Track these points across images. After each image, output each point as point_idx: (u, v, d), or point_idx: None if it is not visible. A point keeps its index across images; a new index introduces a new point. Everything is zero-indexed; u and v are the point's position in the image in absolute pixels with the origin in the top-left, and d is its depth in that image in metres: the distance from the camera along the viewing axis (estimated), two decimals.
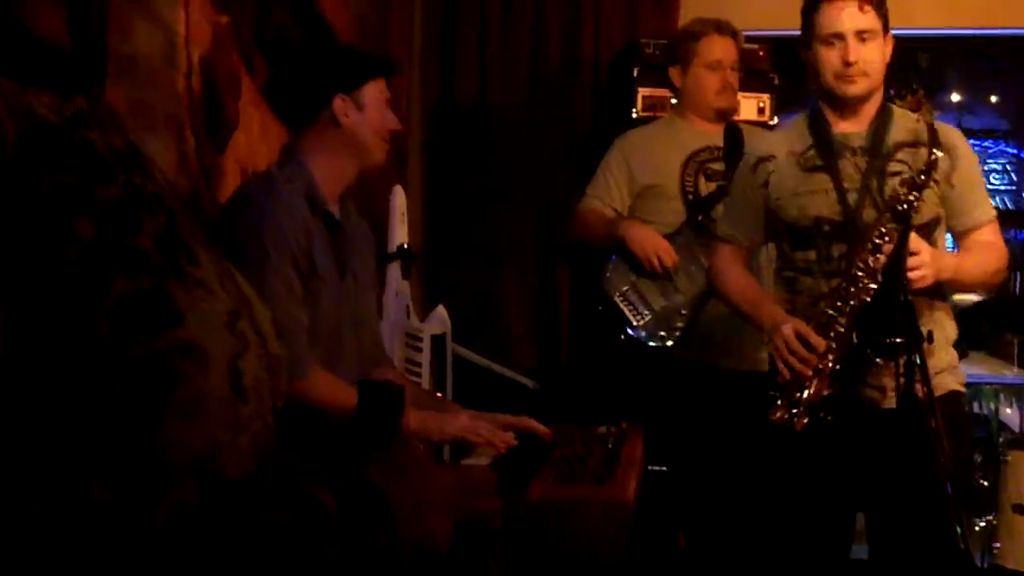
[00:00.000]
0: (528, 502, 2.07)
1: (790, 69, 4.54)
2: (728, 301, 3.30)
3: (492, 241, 4.97)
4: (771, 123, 4.46)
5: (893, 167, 3.03)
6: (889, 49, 3.09)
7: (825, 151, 3.09)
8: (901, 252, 2.83)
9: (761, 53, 4.51)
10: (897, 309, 2.83)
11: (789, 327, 2.98)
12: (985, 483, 4.45)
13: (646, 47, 4.54)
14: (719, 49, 4.02)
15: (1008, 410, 4.91)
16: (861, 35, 3.01)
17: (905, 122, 3.09)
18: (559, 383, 4.65)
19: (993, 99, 5.62)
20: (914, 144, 3.05)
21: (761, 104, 4.49)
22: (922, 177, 2.93)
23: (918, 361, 2.78)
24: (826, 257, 3.04)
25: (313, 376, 2.49)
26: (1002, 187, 5.76)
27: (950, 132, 3.16)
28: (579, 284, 4.79)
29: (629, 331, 3.99)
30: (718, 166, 4.01)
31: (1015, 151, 5.46)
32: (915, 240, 2.91)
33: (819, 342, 2.94)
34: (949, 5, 4.81)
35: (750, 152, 3.33)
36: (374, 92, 2.69)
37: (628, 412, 3.38)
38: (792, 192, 3.11)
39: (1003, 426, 4.88)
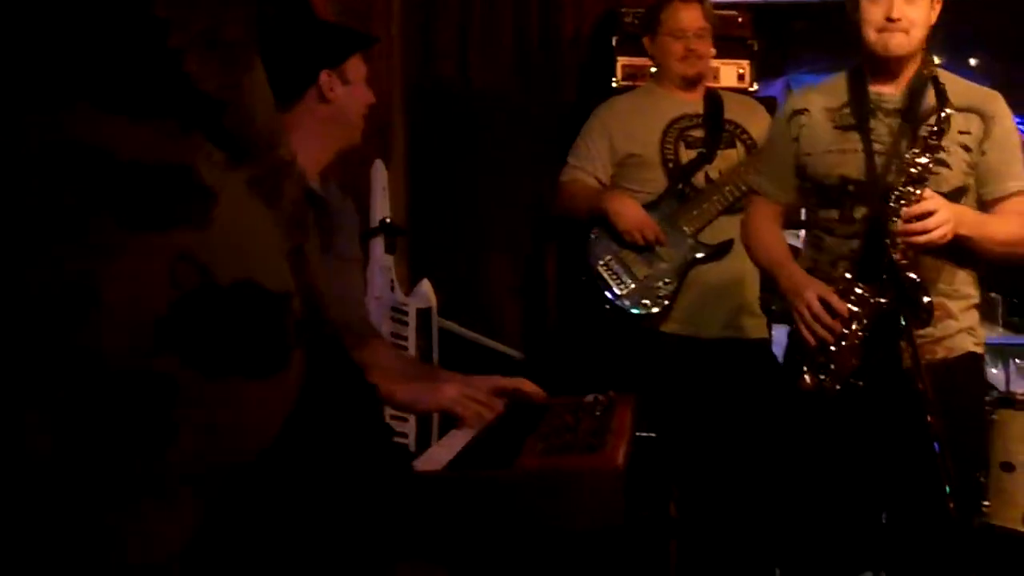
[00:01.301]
0: (517, 473, 2.07)
1: (770, 35, 4.55)
2: (754, 258, 3.29)
3: (477, 215, 4.96)
4: (751, 89, 4.46)
5: (923, 131, 2.96)
6: (937, 11, 3.04)
7: (859, 110, 3.06)
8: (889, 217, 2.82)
9: (740, 19, 4.50)
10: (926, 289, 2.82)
11: (812, 292, 2.96)
12: None
13: (625, 16, 4.53)
14: (683, 17, 4.02)
15: (994, 370, 4.92)
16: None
17: (948, 86, 2.98)
18: (546, 355, 4.65)
19: (981, 67, 5.58)
20: (951, 110, 2.95)
21: (741, 71, 4.48)
22: (934, 138, 2.89)
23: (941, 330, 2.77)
24: (848, 218, 3.01)
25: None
26: None
27: (991, 97, 3.10)
28: (565, 256, 4.79)
29: (613, 300, 3.99)
30: (698, 133, 4.01)
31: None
32: (930, 197, 2.88)
33: (842, 307, 2.93)
34: None
35: (788, 102, 3.30)
36: (357, 66, 2.68)
37: (615, 382, 3.39)
38: (823, 149, 3.08)
39: (990, 386, 4.91)
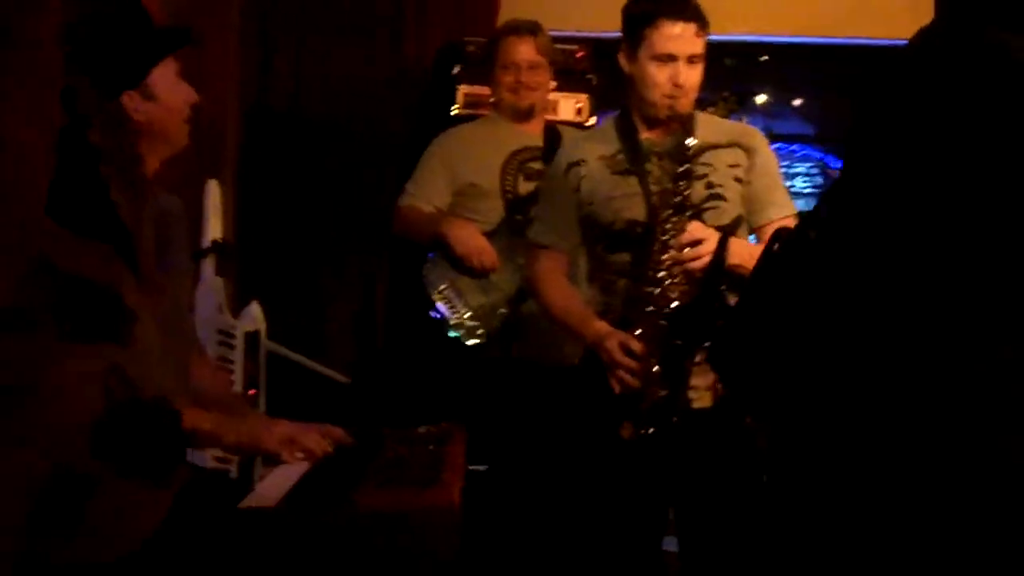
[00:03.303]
0: (352, 510, 2.04)
1: (608, 70, 4.62)
2: (549, 314, 3.31)
3: (311, 238, 4.91)
4: (588, 123, 4.52)
5: (699, 170, 3.10)
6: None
7: (633, 156, 3.15)
8: (718, 256, 2.91)
9: (580, 54, 4.56)
10: (715, 313, 2.90)
11: (614, 340, 3.01)
12: None
13: (468, 45, 4.55)
14: (515, 50, 4.06)
15: None
16: (692, 59, 3.08)
17: (710, 126, 3.18)
18: (377, 381, 4.62)
19: (799, 104, 5.81)
20: (718, 146, 3.15)
21: (579, 104, 4.54)
22: (686, 165, 3.01)
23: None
24: (640, 259, 3.08)
25: None
26: (807, 190, 5.96)
27: (749, 132, 3.27)
28: (399, 282, 4.77)
29: (447, 328, 3.99)
30: (538, 166, 4.04)
31: (820, 155, 5.66)
32: (698, 227, 3.00)
33: (639, 346, 2.99)
34: (757, 14, 4.95)
35: (560, 157, 3.35)
36: (163, 74, 2.47)
37: (449, 411, 3.37)
38: (605, 196, 3.15)
39: None
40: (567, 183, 3.23)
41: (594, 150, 3.22)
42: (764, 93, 5.58)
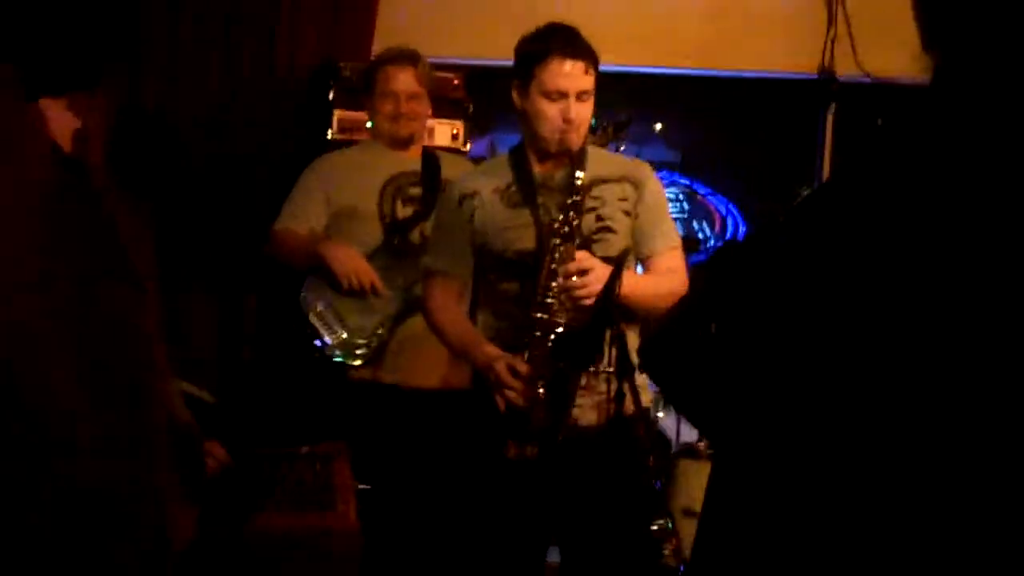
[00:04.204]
0: (250, 533, 2.05)
1: (483, 97, 4.70)
2: (442, 339, 3.40)
3: (176, 254, 4.84)
4: (464, 149, 4.58)
5: (589, 203, 3.21)
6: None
7: (526, 188, 3.25)
8: (610, 285, 3.00)
9: (456, 81, 4.62)
10: (604, 338, 3.00)
11: (500, 362, 3.10)
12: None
13: (343, 70, 4.57)
14: (396, 79, 4.10)
15: (660, 413, 5.17)
16: (582, 95, 3.17)
17: (600, 161, 3.30)
18: (245, 400, 4.58)
19: (665, 133, 5.96)
20: (608, 180, 3.27)
21: (455, 131, 4.59)
22: (575, 197, 3.10)
23: (627, 388, 2.97)
24: (530, 287, 3.16)
25: None
26: (675, 215, 6.13)
27: (639, 166, 3.38)
28: (267, 300, 4.75)
29: (323, 349, 4.01)
30: (416, 191, 4.09)
31: (687, 182, 5.82)
32: (586, 257, 3.10)
33: (524, 368, 3.07)
34: (623, 43, 5.07)
35: (453, 188, 3.42)
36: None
37: (322, 431, 3.39)
38: (499, 227, 3.24)
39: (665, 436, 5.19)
40: (461, 214, 3.31)
41: (488, 183, 3.31)
42: (632, 122, 5.70)
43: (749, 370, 1.39)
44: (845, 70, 5.21)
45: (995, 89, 1.34)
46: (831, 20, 5.21)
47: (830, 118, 5.36)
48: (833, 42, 5.20)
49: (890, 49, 4.88)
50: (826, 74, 5.23)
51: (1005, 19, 1.34)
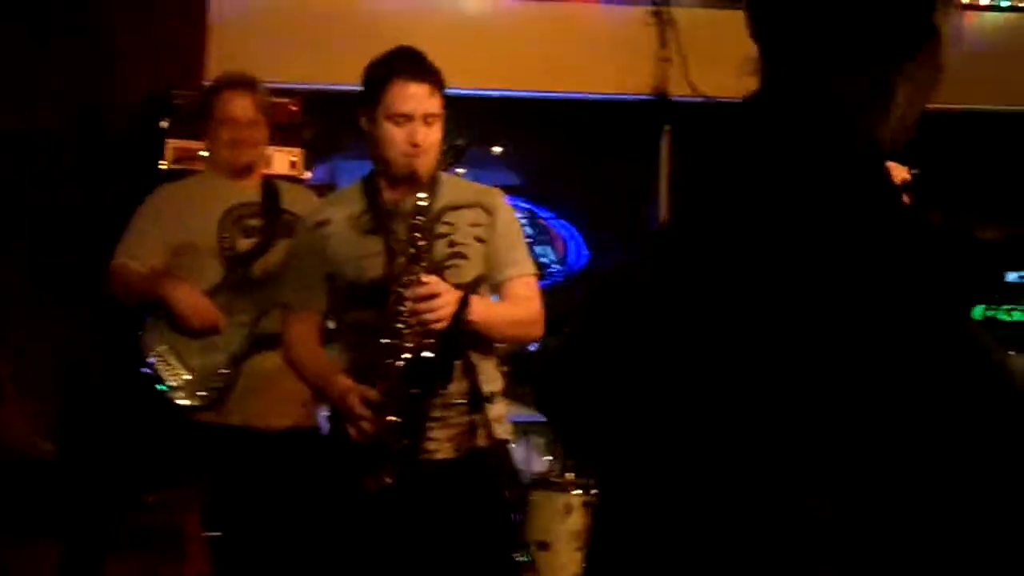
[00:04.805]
0: None
1: (325, 122, 4.62)
2: (302, 376, 3.33)
3: (4, 296, 4.65)
4: (304, 177, 4.49)
5: (441, 229, 3.16)
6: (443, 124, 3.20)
7: (378, 215, 3.19)
8: (459, 316, 2.96)
9: (293, 107, 4.52)
10: (455, 364, 2.97)
11: (352, 393, 3.05)
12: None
13: (176, 98, 4.43)
14: (233, 106, 3.98)
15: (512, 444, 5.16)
16: (428, 118, 3.13)
17: (453, 187, 3.26)
18: (90, 448, 4.39)
19: (505, 157, 5.97)
20: (461, 206, 3.23)
21: (293, 158, 4.50)
22: (420, 218, 3.06)
23: (481, 420, 2.95)
24: (385, 316, 3.10)
25: None
26: None
27: (491, 192, 3.35)
28: (106, 342, 4.58)
29: (166, 392, 3.85)
30: (256, 222, 3.97)
31: (528, 206, 5.82)
32: (436, 282, 3.05)
33: (375, 396, 3.03)
34: (463, 68, 5.06)
35: (306, 219, 3.35)
36: None
37: (173, 478, 3.26)
38: (352, 256, 3.18)
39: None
40: (313, 244, 3.24)
41: (340, 211, 3.24)
42: (473, 146, 5.70)
43: (632, 406, 1.37)
44: (679, 91, 5.29)
45: (817, 108, 1.35)
46: (662, 42, 5.28)
47: (666, 139, 5.43)
48: (666, 64, 5.27)
49: (721, 69, 4.95)
50: (660, 95, 5.29)
51: (828, 34, 1.34)
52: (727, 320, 1.30)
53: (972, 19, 6.00)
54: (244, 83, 4.02)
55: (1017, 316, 6.14)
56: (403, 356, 3.03)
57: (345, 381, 3.12)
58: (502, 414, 3.26)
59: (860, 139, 1.34)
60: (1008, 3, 6.14)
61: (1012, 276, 6.20)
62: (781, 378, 1.25)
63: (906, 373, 1.21)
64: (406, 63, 3.15)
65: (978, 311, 6.21)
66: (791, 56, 1.37)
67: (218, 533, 3.42)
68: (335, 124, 5.28)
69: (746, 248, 1.31)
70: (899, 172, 2.89)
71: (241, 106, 3.99)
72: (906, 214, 1.31)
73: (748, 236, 1.31)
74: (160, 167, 4.39)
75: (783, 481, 1.24)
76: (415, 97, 3.10)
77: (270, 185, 4.06)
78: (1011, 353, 1.77)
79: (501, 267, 3.26)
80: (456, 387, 3.09)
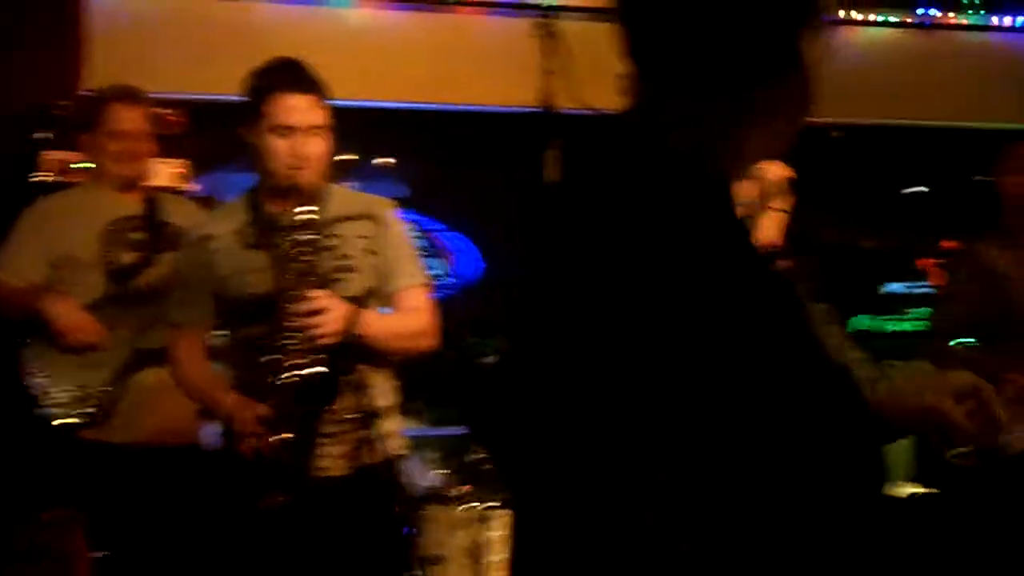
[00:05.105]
0: None
1: (208, 133, 4.53)
2: (189, 395, 3.27)
3: None
4: (189, 189, 4.41)
5: (329, 242, 3.12)
6: (331, 137, 3.16)
7: (263, 229, 3.13)
8: (348, 328, 2.92)
9: (178, 119, 4.44)
10: (345, 378, 2.93)
11: (242, 410, 3.00)
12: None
13: (55, 108, 4.31)
14: (122, 117, 3.91)
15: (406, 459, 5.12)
16: (312, 129, 3.08)
17: (341, 199, 3.21)
18: None
19: (392, 169, 5.94)
20: (349, 218, 3.18)
21: (177, 170, 4.41)
22: (305, 231, 3.02)
23: (372, 435, 2.92)
24: (272, 331, 3.05)
25: None
26: None
27: (380, 204, 3.31)
28: None
29: (47, 411, 3.74)
30: (139, 235, 3.89)
31: (417, 218, 5.79)
32: (322, 296, 3.01)
33: (265, 412, 2.97)
34: (352, 79, 5.02)
35: (190, 234, 3.29)
36: None
37: (56, 498, 3.17)
38: (237, 270, 3.12)
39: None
40: (198, 259, 3.18)
41: (225, 225, 3.18)
42: (360, 158, 5.67)
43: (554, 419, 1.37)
44: (566, 103, 5.30)
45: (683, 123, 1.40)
46: (546, 55, 5.30)
47: (553, 151, 5.44)
48: (551, 76, 5.29)
49: (607, 82, 5.00)
50: (546, 108, 5.30)
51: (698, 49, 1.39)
52: (584, 316, 1.34)
53: (857, 34, 6.14)
54: (131, 95, 3.95)
55: (899, 326, 6.31)
56: (293, 372, 2.98)
57: (235, 398, 3.07)
58: (395, 429, 3.23)
59: (712, 158, 1.39)
60: (894, 19, 6.31)
61: (895, 287, 6.37)
62: (637, 377, 1.30)
63: (730, 377, 1.28)
64: (289, 75, 3.10)
65: (862, 322, 6.39)
66: (657, 76, 1.42)
67: (104, 553, 3.34)
68: (222, 135, 5.22)
69: (594, 256, 1.35)
70: (780, 171, 2.94)
71: (130, 118, 3.91)
72: (738, 232, 1.40)
73: (596, 250, 1.36)
74: (37, 179, 4.26)
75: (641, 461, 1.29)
76: (297, 109, 3.06)
77: (153, 198, 3.99)
78: (894, 363, 1.81)
79: (392, 278, 3.23)
80: (348, 402, 3.05)
